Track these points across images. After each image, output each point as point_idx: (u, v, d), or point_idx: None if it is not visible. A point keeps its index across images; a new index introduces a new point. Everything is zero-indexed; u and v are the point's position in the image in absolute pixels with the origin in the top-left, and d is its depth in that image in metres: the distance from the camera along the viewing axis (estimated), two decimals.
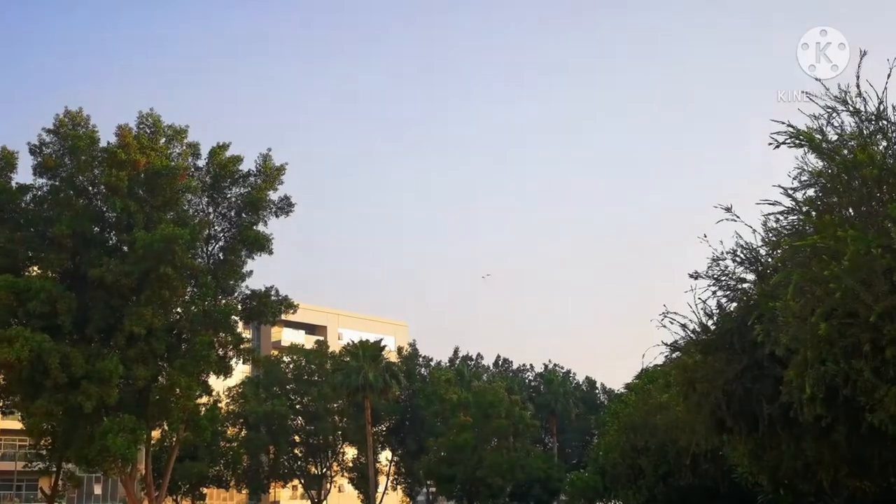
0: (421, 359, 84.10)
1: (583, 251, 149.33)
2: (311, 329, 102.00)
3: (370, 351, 69.63)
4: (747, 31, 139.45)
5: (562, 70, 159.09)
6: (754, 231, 16.55)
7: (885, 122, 12.97)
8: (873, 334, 10.44)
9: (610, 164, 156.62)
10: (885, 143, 13.01)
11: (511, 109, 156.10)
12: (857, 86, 13.22)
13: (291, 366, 74.28)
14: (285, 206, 43.06)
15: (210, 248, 42.74)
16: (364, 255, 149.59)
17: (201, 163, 42.75)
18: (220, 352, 41.11)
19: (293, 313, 46.09)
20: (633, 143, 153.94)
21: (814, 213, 13.75)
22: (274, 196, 42.79)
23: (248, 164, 42.81)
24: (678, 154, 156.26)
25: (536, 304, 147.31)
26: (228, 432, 66.96)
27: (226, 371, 41.54)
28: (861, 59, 12.97)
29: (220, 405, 51.82)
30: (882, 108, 13.12)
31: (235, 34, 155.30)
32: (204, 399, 42.47)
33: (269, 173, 42.57)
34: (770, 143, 13.49)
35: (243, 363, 47.29)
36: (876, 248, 10.12)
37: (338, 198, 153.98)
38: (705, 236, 17.22)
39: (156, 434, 47.35)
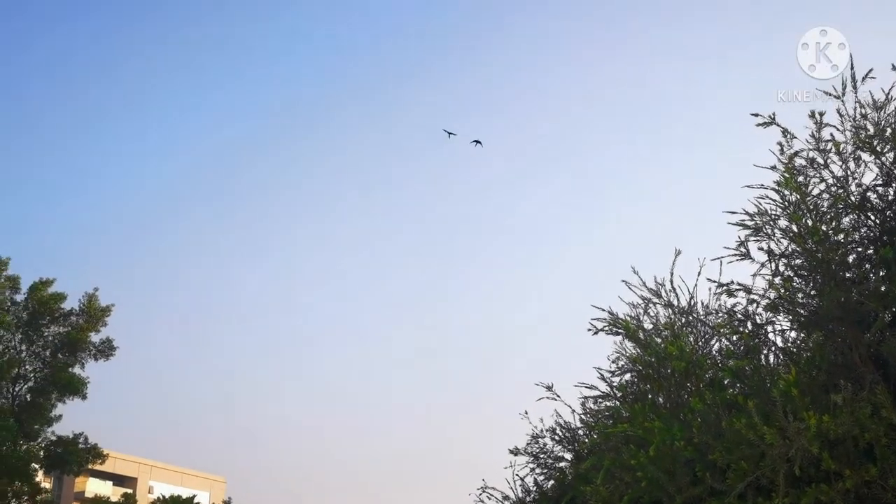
0: None
1: (388, 420, 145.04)
2: (119, 480, 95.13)
3: None
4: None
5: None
6: (573, 411, 17.06)
7: (692, 317, 13.88)
8: None
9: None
10: (693, 338, 13.88)
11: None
12: (671, 280, 14.17)
13: None
14: (106, 350, 41.14)
15: (17, 389, 39.91)
16: (187, 401, 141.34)
17: (20, 297, 40.64)
18: (14, 503, 37.77)
19: (101, 463, 43.14)
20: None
21: (628, 400, 14.34)
22: (95, 338, 40.97)
23: (72, 302, 41.14)
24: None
25: (345, 466, 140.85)
26: None
27: None
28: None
29: None
30: (692, 303, 14.06)
31: None
32: None
33: (93, 313, 40.84)
34: (589, 330, 14.13)
35: None
36: (679, 441, 10.60)
37: (160, 338, 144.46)
38: (526, 412, 17.62)
39: None
